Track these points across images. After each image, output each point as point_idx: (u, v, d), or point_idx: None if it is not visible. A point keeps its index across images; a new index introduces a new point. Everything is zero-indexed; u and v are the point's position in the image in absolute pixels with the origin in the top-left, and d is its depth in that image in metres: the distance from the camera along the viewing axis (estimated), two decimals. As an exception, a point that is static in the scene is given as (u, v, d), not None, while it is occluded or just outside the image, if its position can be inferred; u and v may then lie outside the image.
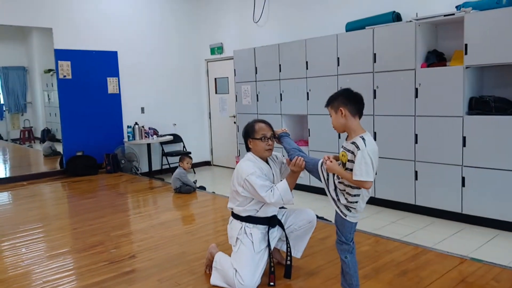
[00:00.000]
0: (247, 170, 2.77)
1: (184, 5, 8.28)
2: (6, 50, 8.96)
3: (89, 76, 7.17)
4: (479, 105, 4.29)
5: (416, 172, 4.79)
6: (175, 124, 8.23)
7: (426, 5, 4.94)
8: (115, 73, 7.45)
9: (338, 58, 5.45)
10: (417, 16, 4.79)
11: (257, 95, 6.78)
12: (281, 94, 6.34)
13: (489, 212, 4.26)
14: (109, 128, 7.45)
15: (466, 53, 4.26)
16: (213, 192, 5.92)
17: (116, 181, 6.72)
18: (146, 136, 7.44)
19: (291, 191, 2.71)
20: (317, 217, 3.19)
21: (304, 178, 2.88)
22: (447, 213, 4.59)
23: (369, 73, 5.11)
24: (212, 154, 8.85)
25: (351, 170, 2.26)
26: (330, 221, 4.23)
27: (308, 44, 5.86)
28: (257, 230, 2.85)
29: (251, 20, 7.34)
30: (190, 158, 6.01)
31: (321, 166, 2.52)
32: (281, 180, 2.80)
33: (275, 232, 2.96)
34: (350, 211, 2.38)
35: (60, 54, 6.89)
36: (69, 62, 6.95)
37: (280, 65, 6.30)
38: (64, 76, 6.94)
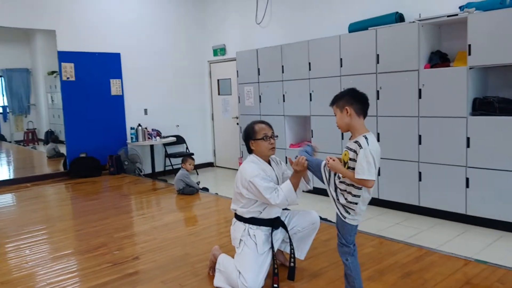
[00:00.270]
0: (251, 172, 2.77)
1: (187, 7, 8.29)
2: (10, 52, 9.03)
3: (93, 78, 7.18)
4: (483, 106, 4.28)
5: (420, 173, 4.77)
6: (178, 126, 8.23)
7: (429, 6, 4.93)
8: (118, 75, 7.47)
9: (341, 59, 5.45)
10: (420, 16, 4.78)
11: (259, 96, 6.77)
12: (283, 95, 6.33)
13: (494, 213, 4.23)
14: (113, 130, 7.46)
15: (469, 54, 4.25)
16: (216, 194, 5.92)
17: (119, 183, 6.73)
18: (149, 138, 7.46)
19: (295, 191, 2.70)
20: (321, 218, 3.18)
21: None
22: (451, 214, 4.57)
23: (372, 74, 5.10)
24: (215, 155, 8.85)
25: (353, 169, 2.26)
26: (334, 223, 4.21)
27: (310, 45, 5.85)
28: (261, 232, 2.85)
29: (254, 21, 7.35)
30: (193, 159, 6.02)
31: (324, 167, 2.52)
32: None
33: (279, 234, 2.96)
34: (349, 213, 2.37)
35: (64, 56, 6.91)
36: (72, 64, 6.97)
37: (282, 66, 6.30)
38: (68, 78, 6.96)
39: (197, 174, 7.93)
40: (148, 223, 4.58)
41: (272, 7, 7.07)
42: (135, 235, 4.22)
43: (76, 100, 7.04)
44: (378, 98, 5.05)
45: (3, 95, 9.50)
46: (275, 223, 2.91)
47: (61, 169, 7.44)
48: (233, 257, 2.89)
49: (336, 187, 2.42)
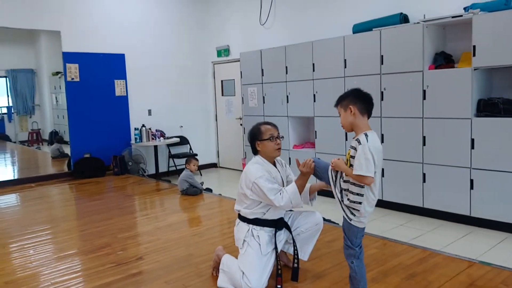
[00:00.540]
0: (255, 173, 2.77)
1: (191, 8, 8.31)
2: (15, 52, 9.07)
3: (97, 79, 7.21)
4: (487, 107, 4.26)
5: (424, 175, 4.76)
6: (181, 126, 8.25)
7: (434, 7, 4.91)
8: (123, 75, 7.49)
9: (345, 60, 5.44)
10: (424, 17, 4.77)
11: (263, 97, 6.78)
12: (287, 96, 6.33)
13: (498, 214, 4.22)
14: (117, 130, 7.48)
15: (474, 55, 4.23)
16: (220, 194, 5.92)
17: (123, 183, 6.75)
18: (153, 138, 7.48)
19: (300, 194, 2.69)
20: (324, 219, 3.18)
21: (311, 178, 2.87)
22: (455, 215, 4.56)
23: (376, 75, 5.09)
24: (218, 156, 8.86)
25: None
26: (337, 224, 4.22)
27: (314, 46, 5.85)
28: (264, 233, 2.85)
29: (258, 22, 7.35)
30: (197, 160, 6.02)
31: (331, 170, 2.51)
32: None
33: (282, 235, 2.96)
34: (354, 214, 2.36)
35: (68, 57, 6.94)
36: (77, 65, 7.00)
37: (286, 67, 6.30)
38: (72, 78, 6.99)
39: (201, 174, 7.94)
40: (151, 223, 4.59)
41: (276, 8, 7.07)
42: (139, 236, 4.23)
43: (80, 100, 7.07)
44: (382, 99, 5.04)
45: (8, 96, 9.55)
46: (278, 224, 2.91)
47: (65, 169, 7.47)
48: (236, 257, 2.89)
49: (341, 189, 2.42)
